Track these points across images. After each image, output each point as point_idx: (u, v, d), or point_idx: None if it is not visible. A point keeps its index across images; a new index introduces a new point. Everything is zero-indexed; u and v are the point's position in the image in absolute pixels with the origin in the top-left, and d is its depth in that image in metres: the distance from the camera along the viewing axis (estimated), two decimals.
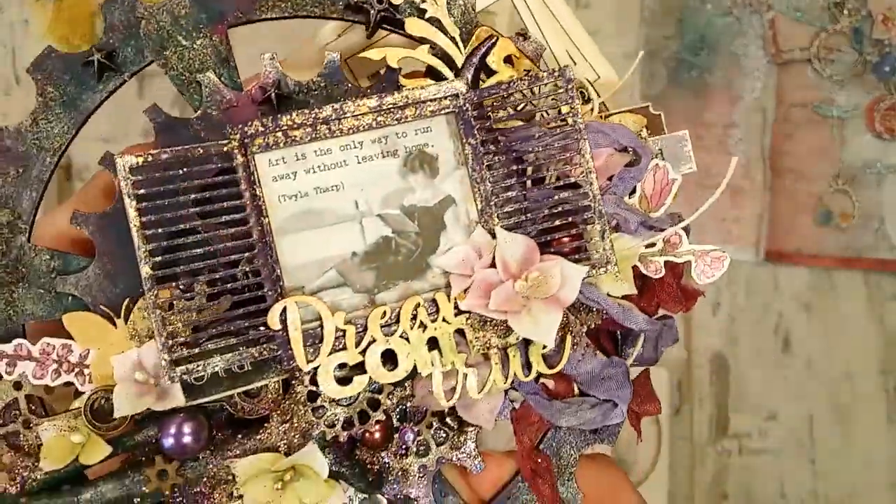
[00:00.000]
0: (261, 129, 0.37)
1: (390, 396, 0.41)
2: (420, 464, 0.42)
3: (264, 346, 0.38)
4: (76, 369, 0.37)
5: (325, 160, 0.39)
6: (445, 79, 0.40)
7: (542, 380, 0.42)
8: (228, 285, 0.37)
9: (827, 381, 0.90)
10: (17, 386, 0.37)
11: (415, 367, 0.39)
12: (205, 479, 0.39)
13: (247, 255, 0.37)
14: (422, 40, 0.41)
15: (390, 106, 0.38)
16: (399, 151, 0.39)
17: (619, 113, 0.44)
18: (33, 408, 0.38)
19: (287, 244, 0.38)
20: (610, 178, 0.42)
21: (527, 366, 0.41)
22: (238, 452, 0.39)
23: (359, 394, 0.40)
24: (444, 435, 0.42)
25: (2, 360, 0.37)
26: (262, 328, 0.38)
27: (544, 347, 0.40)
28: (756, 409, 0.90)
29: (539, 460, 0.43)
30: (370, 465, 0.41)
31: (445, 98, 0.39)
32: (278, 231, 0.38)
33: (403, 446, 0.41)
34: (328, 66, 0.40)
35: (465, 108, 0.39)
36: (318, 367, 0.38)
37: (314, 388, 0.39)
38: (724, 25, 0.86)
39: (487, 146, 0.39)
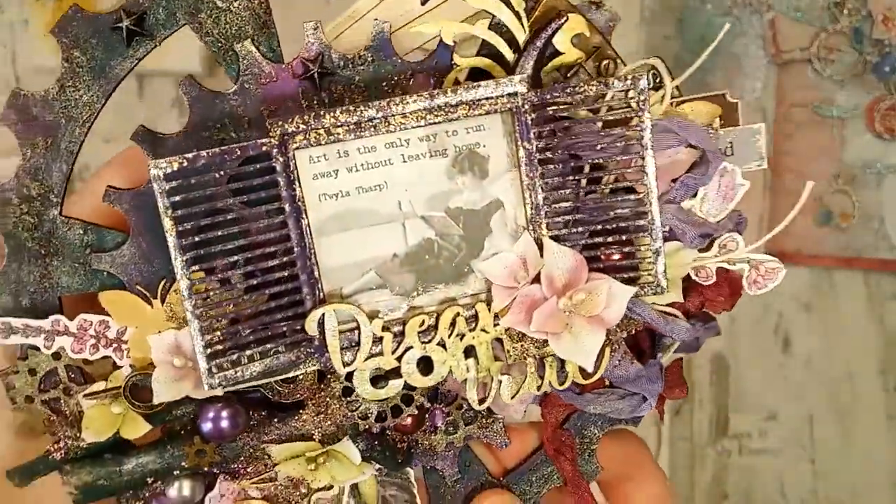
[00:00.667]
0: (302, 126, 0.34)
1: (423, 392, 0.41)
2: (448, 441, 0.41)
3: (302, 349, 0.37)
4: (114, 345, 0.37)
5: (368, 158, 0.36)
6: (504, 58, 0.37)
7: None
8: (266, 282, 0.36)
9: (827, 381, 0.90)
10: (56, 356, 0.37)
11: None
12: (241, 458, 0.39)
13: (286, 258, 0.36)
14: (481, 13, 0.37)
15: (441, 105, 0.35)
16: (448, 151, 0.37)
17: (692, 100, 0.40)
18: (72, 376, 0.37)
19: (326, 245, 0.37)
20: (674, 181, 0.39)
21: (562, 374, 0.40)
22: (273, 437, 0.39)
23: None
24: (472, 415, 0.41)
25: (40, 335, 0.36)
26: (299, 332, 0.37)
27: None
28: (756, 409, 0.90)
29: (563, 438, 0.43)
30: (399, 445, 0.41)
31: (502, 96, 0.36)
32: (318, 231, 0.36)
33: (432, 426, 0.41)
34: (376, 39, 0.36)
35: (522, 109, 0.36)
36: (354, 370, 0.38)
37: (349, 385, 0.39)
38: (724, 25, 0.86)
39: (544, 153, 0.37)
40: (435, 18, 0.38)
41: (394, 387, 0.38)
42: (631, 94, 0.36)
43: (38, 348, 0.37)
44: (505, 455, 0.44)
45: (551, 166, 0.37)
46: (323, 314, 0.36)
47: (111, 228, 0.37)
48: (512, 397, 0.39)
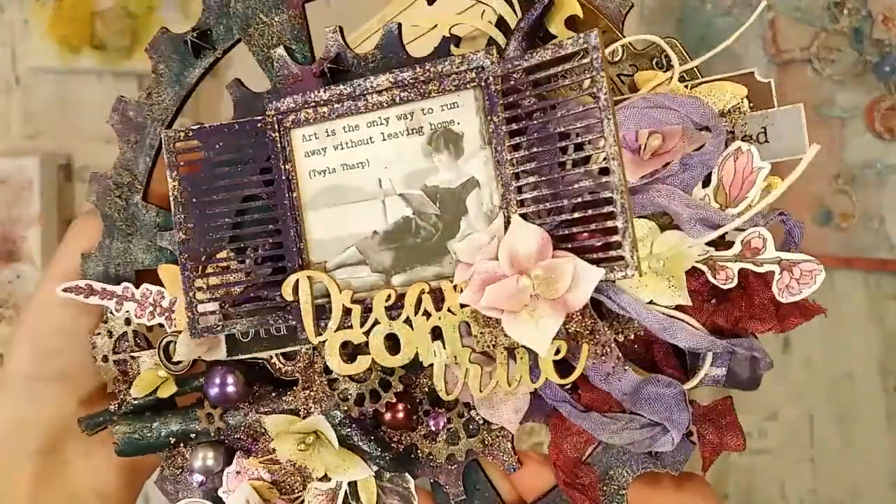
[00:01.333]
0: (292, 105, 0.39)
1: (411, 382, 0.41)
2: (448, 452, 0.41)
3: (282, 314, 0.40)
4: (166, 314, 0.42)
5: (352, 136, 0.39)
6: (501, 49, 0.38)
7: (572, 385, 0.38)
8: (250, 251, 0.40)
9: (827, 381, 0.90)
10: (127, 321, 0.44)
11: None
12: (243, 428, 0.43)
13: (271, 227, 0.40)
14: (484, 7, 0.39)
15: (408, 80, 0.38)
16: (424, 128, 0.38)
17: (713, 80, 0.36)
18: (139, 342, 0.44)
19: (313, 219, 0.40)
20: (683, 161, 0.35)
21: (536, 371, 0.36)
22: (268, 409, 0.43)
23: (372, 373, 0.41)
24: (475, 427, 0.41)
25: (112, 298, 0.43)
26: (279, 298, 0.40)
27: (556, 353, 0.36)
28: (756, 409, 0.90)
29: (580, 473, 0.39)
30: (394, 444, 0.42)
31: (469, 71, 0.37)
32: (306, 206, 0.40)
33: (434, 431, 0.41)
34: (386, 37, 0.39)
35: (489, 82, 0.37)
36: (325, 341, 0.39)
37: None
38: (724, 25, 0.86)
39: (511, 125, 0.36)
40: (436, 14, 0.40)
41: (361, 362, 0.39)
42: (585, 52, 0.34)
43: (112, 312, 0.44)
44: (523, 486, 0.42)
45: (520, 139, 0.36)
46: (297, 280, 0.39)
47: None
48: (482, 391, 0.37)
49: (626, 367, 0.36)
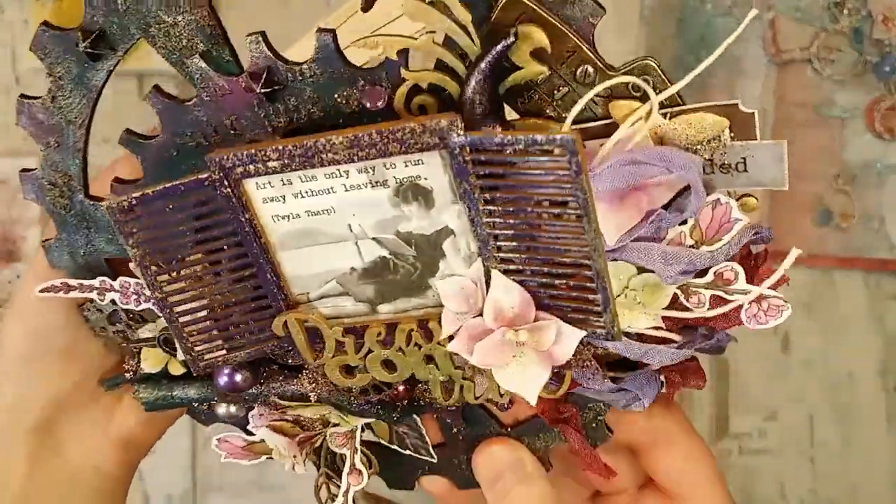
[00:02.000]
0: (237, 162, 0.35)
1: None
2: (448, 402, 0.42)
3: (275, 343, 0.40)
4: (153, 299, 0.41)
5: (311, 186, 0.36)
6: (457, 74, 0.35)
7: None
8: (230, 295, 0.39)
9: (827, 381, 0.90)
10: (113, 301, 0.42)
11: None
12: (258, 401, 0.44)
13: (247, 272, 0.38)
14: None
15: (365, 143, 0.34)
16: (389, 182, 0.35)
17: (694, 109, 0.35)
18: (131, 316, 0.43)
19: (287, 258, 0.38)
20: (665, 207, 0.35)
21: None
22: (278, 392, 0.43)
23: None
24: (470, 375, 0.42)
25: (93, 291, 0.42)
26: (269, 331, 0.40)
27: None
28: (756, 409, 0.90)
29: (563, 411, 0.43)
30: (396, 402, 0.43)
31: (432, 137, 0.33)
32: (276, 248, 0.38)
33: (426, 389, 0.43)
34: (322, 51, 0.35)
35: (456, 151, 0.34)
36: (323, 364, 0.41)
37: None
38: (724, 25, 0.86)
39: (486, 190, 0.34)
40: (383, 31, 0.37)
41: (362, 378, 0.41)
42: (559, 152, 0.32)
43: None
44: (513, 411, 0.45)
45: (496, 203, 0.35)
46: (285, 321, 0.39)
47: None
48: (476, 399, 0.40)
49: (605, 378, 0.39)
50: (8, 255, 0.82)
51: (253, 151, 0.35)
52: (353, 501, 0.46)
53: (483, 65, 0.34)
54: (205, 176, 0.36)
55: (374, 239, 0.37)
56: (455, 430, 0.46)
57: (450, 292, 0.37)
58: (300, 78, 0.36)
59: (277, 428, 0.44)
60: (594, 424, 0.44)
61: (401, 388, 0.42)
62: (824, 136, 0.87)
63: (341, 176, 0.35)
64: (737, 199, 0.36)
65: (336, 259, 0.38)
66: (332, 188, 0.36)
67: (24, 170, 0.41)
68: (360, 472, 0.45)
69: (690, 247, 0.36)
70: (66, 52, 0.37)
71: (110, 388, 0.45)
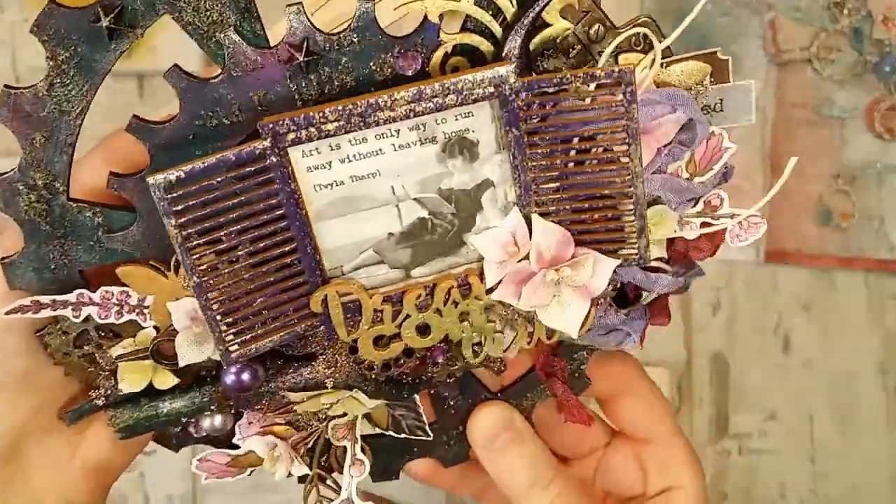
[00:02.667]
0: (292, 126, 0.35)
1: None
2: (449, 372, 0.44)
3: (308, 323, 0.39)
4: (137, 310, 0.39)
5: (360, 149, 0.37)
6: (492, 34, 0.37)
7: None
8: (269, 268, 0.38)
9: (827, 381, 0.90)
10: (86, 320, 0.39)
11: None
12: (264, 400, 0.43)
13: (287, 248, 0.37)
14: None
15: (428, 95, 0.35)
16: (438, 138, 0.37)
17: (682, 59, 0.41)
18: (103, 334, 0.40)
19: (324, 229, 0.38)
20: (660, 149, 0.40)
21: (550, 330, 0.42)
22: (290, 385, 0.42)
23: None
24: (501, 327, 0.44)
25: (67, 307, 0.38)
26: (304, 308, 0.39)
27: None
28: (756, 409, 0.90)
29: (554, 364, 0.46)
30: (403, 379, 0.44)
31: (489, 86, 0.36)
32: (315, 217, 0.38)
33: (434, 362, 0.44)
34: (361, 19, 0.35)
35: (510, 98, 0.36)
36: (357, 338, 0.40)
37: (354, 343, 0.41)
38: (724, 25, 0.86)
39: (532, 136, 0.37)
40: None
41: (395, 348, 0.41)
42: (616, 83, 0.36)
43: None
44: (502, 374, 0.47)
45: (539, 149, 0.38)
46: (326, 295, 0.39)
47: (118, 208, 0.38)
48: (505, 351, 0.42)
49: (617, 310, 0.43)
50: None
51: (311, 114, 0.35)
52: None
53: (527, 21, 0.36)
54: (256, 144, 0.35)
55: (415, 199, 0.38)
56: (449, 402, 0.47)
57: (489, 243, 0.39)
58: (337, 48, 0.36)
59: (269, 433, 0.44)
60: (577, 374, 0.47)
61: (412, 364, 0.44)
62: (824, 136, 0.87)
63: (392, 136, 0.36)
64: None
65: (374, 226, 0.38)
66: (380, 149, 0.37)
67: None
68: (361, 461, 0.45)
69: (686, 180, 0.41)
70: (76, 31, 0.35)
71: (74, 420, 0.42)
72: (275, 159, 0.35)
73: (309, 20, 0.35)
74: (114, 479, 0.45)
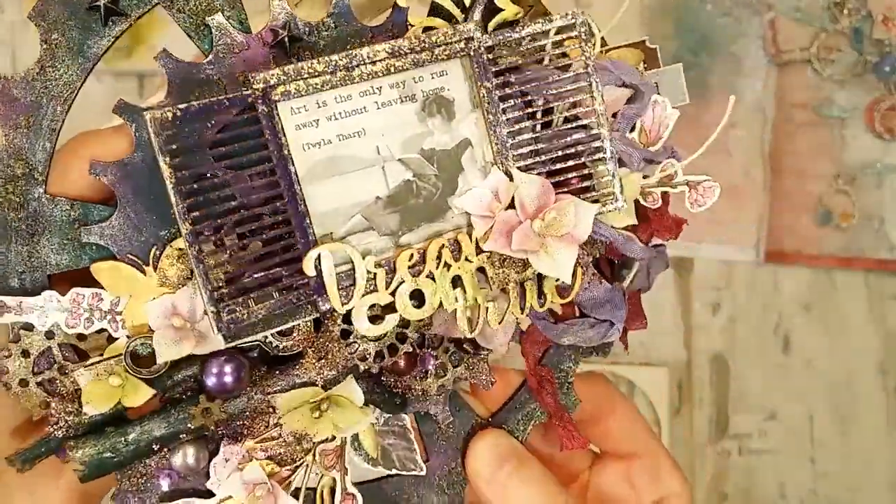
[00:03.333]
0: (282, 77, 0.37)
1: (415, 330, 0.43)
2: (439, 384, 0.44)
3: (300, 291, 0.39)
4: (108, 316, 0.37)
5: (345, 107, 0.39)
6: (455, 18, 0.41)
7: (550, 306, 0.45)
8: (257, 233, 0.38)
9: (827, 381, 0.90)
10: (49, 335, 0.38)
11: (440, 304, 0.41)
12: (247, 413, 0.41)
13: (278, 204, 0.38)
14: None
15: (405, 50, 0.39)
16: (417, 96, 0.40)
17: (617, 48, 0.44)
18: (66, 355, 0.38)
19: (314, 192, 0.39)
20: (614, 115, 0.43)
21: (540, 297, 0.43)
22: (278, 388, 0.41)
23: (388, 331, 0.41)
24: (459, 357, 0.44)
25: (33, 312, 0.37)
26: (296, 275, 0.39)
27: (557, 280, 0.42)
28: (756, 409, 0.90)
29: (543, 373, 0.47)
30: (395, 389, 0.44)
31: (459, 41, 0.40)
32: (305, 179, 0.39)
33: (424, 370, 0.44)
34: (337, 6, 0.39)
35: (479, 52, 0.40)
36: (351, 308, 0.40)
37: (346, 327, 0.41)
38: (724, 25, 0.86)
39: (502, 89, 0.40)
40: None
41: (390, 321, 0.40)
42: (573, 26, 0.40)
43: (31, 328, 0.38)
44: (490, 398, 0.47)
45: (511, 102, 0.40)
46: (319, 254, 0.38)
47: (96, 203, 0.38)
48: (499, 322, 0.42)
49: (601, 280, 0.44)
50: None
51: (300, 66, 0.38)
52: None
53: (486, 1, 0.41)
54: (247, 92, 0.37)
55: (399, 160, 0.40)
56: (436, 435, 0.46)
57: (471, 204, 0.41)
58: (316, 32, 0.39)
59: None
60: (566, 389, 0.47)
61: (402, 362, 0.43)
62: (824, 136, 0.87)
63: (374, 93, 0.39)
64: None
65: (362, 189, 0.40)
66: (364, 107, 0.39)
67: None
68: (353, 496, 0.43)
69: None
70: (71, 15, 0.37)
71: (26, 464, 0.38)
72: (265, 108, 0.37)
73: (289, 8, 0.38)
74: (99, 502, 0.43)
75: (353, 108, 0.39)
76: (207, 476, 0.40)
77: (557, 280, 0.42)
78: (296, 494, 0.42)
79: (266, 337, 0.40)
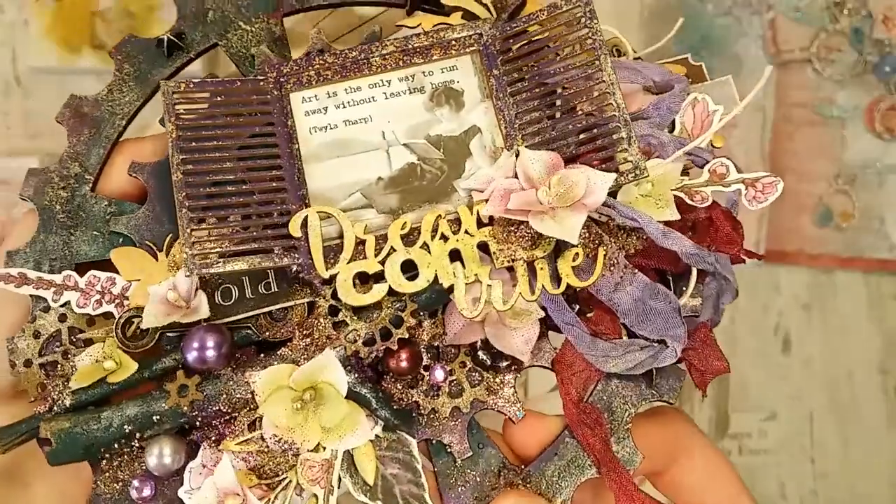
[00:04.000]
0: (295, 68, 0.40)
1: (416, 315, 0.38)
2: (453, 405, 0.39)
3: (286, 253, 0.37)
4: (117, 300, 0.40)
5: (354, 97, 0.41)
6: (471, 14, 0.42)
7: (581, 310, 0.39)
8: (259, 212, 0.39)
9: (827, 381, 0.90)
10: (62, 318, 0.40)
11: (440, 285, 0.37)
12: (224, 397, 0.38)
13: (275, 172, 0.39)
14: (455, 9, 0.43)
15: (416, 46, 0.41)
16: (426, 88, 0.41)
17: (661, 64, 0.44)
18: (74, 339, 0.40)
19: (315, 170, 0.40)
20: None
21: (556, 279, 0.37)
22: (258, 369, 0.38)
23: (382, 312, 0.38)
24: (478, 377, 0.39)
25: (50, 288, 0.40)
26: (285, 237, 0.38)
27: (574, 261, 0.37)
28: (756, 409, 0.90)
29: (587, 412, 0.39)
30: (398, 401, 0.39)
31: (470, 37, 0.41)
32: (307, 158, 0.40)
33: (435, 385, 0.39)
34: (368, 38, 0.42)
35: (487, 44, 0.41)
36: (336, 273, 0.37)
37: (335, 303, 0.38)
38: (725, 25, 0.86)
39: (511, 75, 0.40)
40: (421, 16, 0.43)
41: (378, 290, 0.37)
42: (577, 6, 0.40)
43: (47, 309, 0.40)
44: (525, 443, 0.39)
45: (520, 86, 0.40)
46: (306, 216, 0.38)
47: (133, 201, 0.42)
48: (505, 304, 0.37)
49: (635, 272, 0.38)
50: None
51: (312, 57, 0.41)
52: None
53: (506, 13, 0.42)
54: (261, 77, 0.41)
55: (404, 145, 0.40)
56: (452, 476, 0.39)
57: (476, 182, 0.39)
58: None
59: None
60: (622, 436, 0.39)
61: (404, 362, 0.38)
62: (824, 136, 0.87)
63: (384, 85, 0.41)
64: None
65: (364, 169, 0.40)
66: (373, 97, 0.41)
67: (32, 168, 0.43)
68: None
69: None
70: (142, 52, 0.44)
71: (7, 442, 0.38)
72: (276, 93, 0.40)
73: (325, 39, 0.42)
74: None
75: (361, 98, 0.41)
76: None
77: (574, 260, 0.37)
78: None
79: (257, 319, 0.39)
